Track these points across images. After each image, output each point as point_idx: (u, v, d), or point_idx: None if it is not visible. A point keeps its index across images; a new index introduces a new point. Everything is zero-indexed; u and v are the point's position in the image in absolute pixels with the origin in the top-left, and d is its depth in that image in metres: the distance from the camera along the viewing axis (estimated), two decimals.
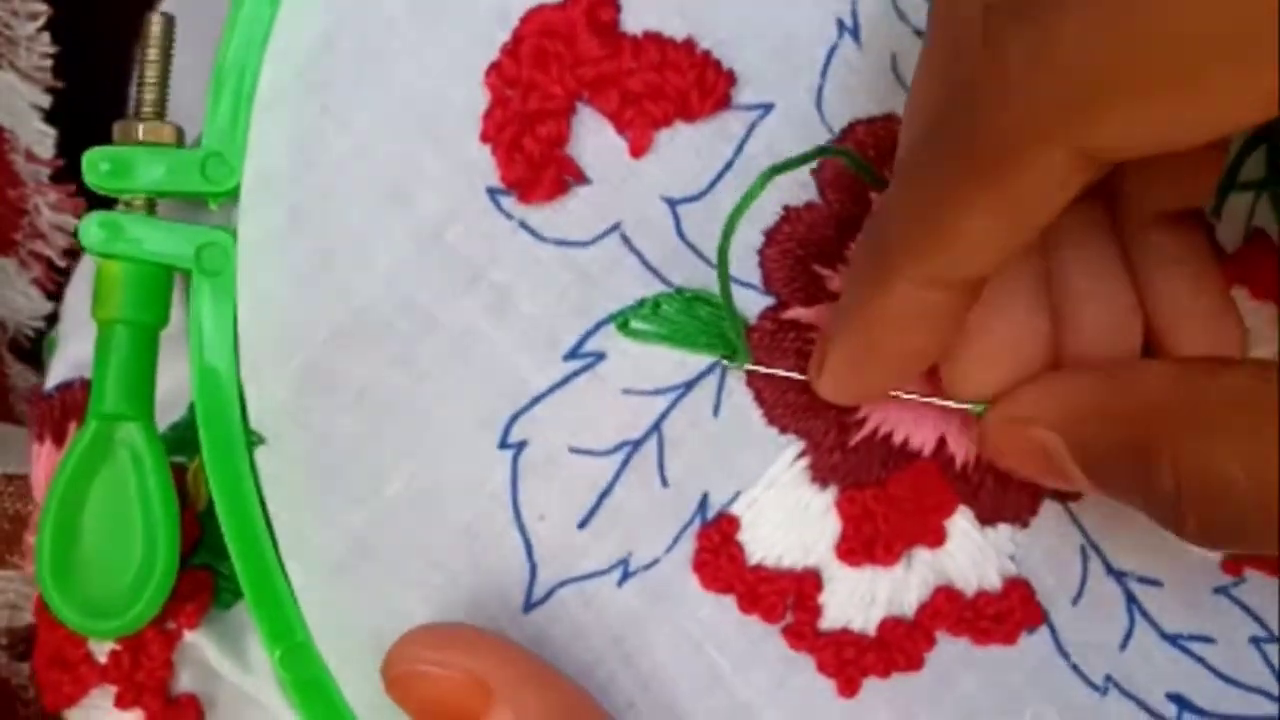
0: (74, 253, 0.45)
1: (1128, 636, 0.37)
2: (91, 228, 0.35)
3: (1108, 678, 0.36)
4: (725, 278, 0.34)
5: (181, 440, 0.37)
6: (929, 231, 0.29)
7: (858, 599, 0.36)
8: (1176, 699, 0.36)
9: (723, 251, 0.34)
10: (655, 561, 0.35)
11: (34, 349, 0.45)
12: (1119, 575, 0.37)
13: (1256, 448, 0.28)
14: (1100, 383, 0.33)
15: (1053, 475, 0.33)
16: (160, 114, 0.36)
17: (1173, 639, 0.37)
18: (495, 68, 0.35)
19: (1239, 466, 0.28)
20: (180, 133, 0.36)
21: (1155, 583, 0.37)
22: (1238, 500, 0.28)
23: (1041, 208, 0.28)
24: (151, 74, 0.36)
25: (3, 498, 0.39)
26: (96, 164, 0.35)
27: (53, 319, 0.45)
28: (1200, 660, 0.37)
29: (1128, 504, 0.32)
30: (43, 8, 0.44)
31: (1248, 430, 0.28)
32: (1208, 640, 0.37)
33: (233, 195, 0.35)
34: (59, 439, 0.38)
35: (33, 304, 0.44)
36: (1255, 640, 0.37)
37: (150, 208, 0.36)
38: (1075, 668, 0.36)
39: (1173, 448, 0.29)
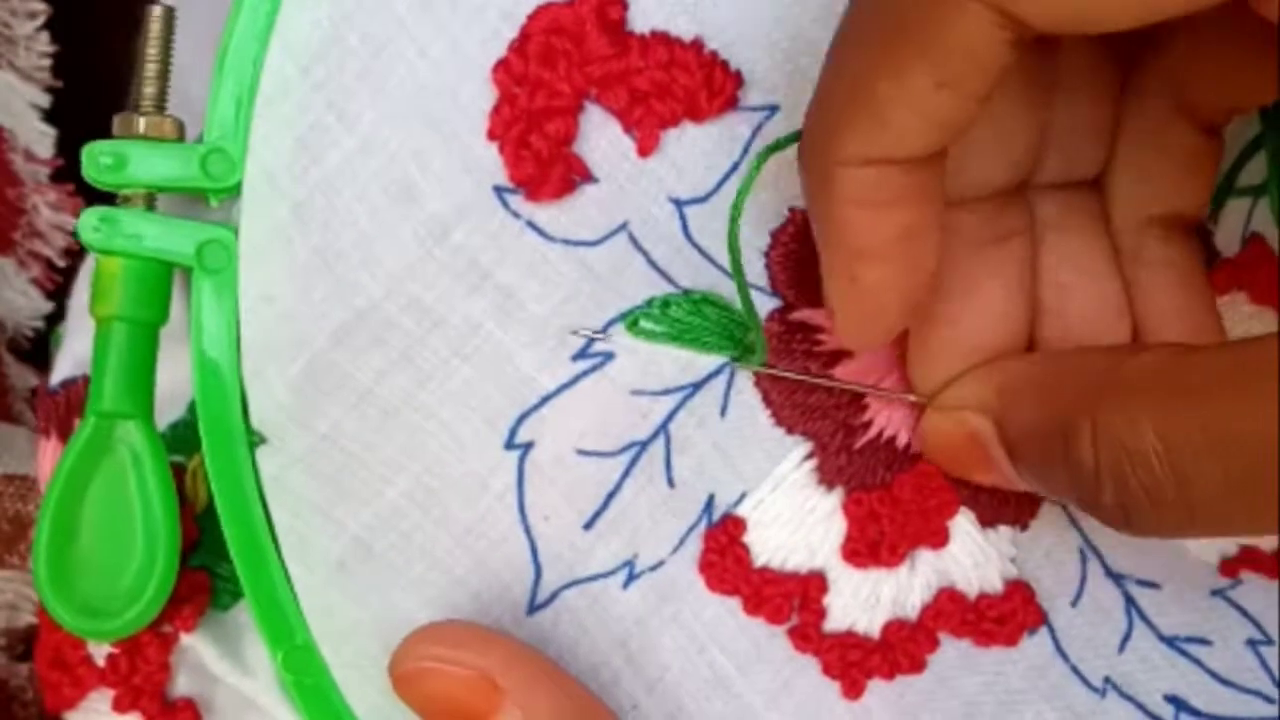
0: (73, 252, 0.44)
1: (1126, 638, 0.37)
2: (90, 223, 0.34)
3: (1106, 679, 0.37)
4: (738, 267, 0.34)
5: (181, 439, 0.37)
6: (863, 105, 0.29)
7: (862, 601, 0.36)
8: (1174, 700, 0.37)
9: (733, 236, 0.34)
10: (661, 563, 0.35)
11: (33, 349, 0.45)
12: (1118, 577, 0.37)
13: (1170, 418, 0.28)
14: (1033, 365, 0.33)
15: (980, 467, 0.34)
16: (161, 107, 0.35)
17: (1170, 641, 0.37)
18: (503, 65, 0.35)
19: (1154, 437, 0.28)
20: (181, 127, 0.35)
21: (1153, 585, 0.37)
22: (1150, 470, 0.29)
23: (972, 73, 0.28)
24: (151, 67, 0.35)
25: (3, 498, 0.39)
26: (96, 158, 0.35)
27: (52, 318, 0.45)
28: (1197, 662, 0.37)
29: (1049, 490, 0.33)
30: (42, 7, 0.44)
31: (1162, 401, 0.29)
32: (1205, 642, 0.37)
33: (234, 192, 0.35)
34: (64, 435, 0.38)
35: (32, 303, 0.44)
36: (1252, 643, 0.37)
37: (150, 203, 0.35)
38: (1074, 669, 0.36)
39: (1092, 419, 0.30)
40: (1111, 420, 0.29)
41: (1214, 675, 0.37)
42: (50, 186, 0.44)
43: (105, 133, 0.35)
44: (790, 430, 0.36)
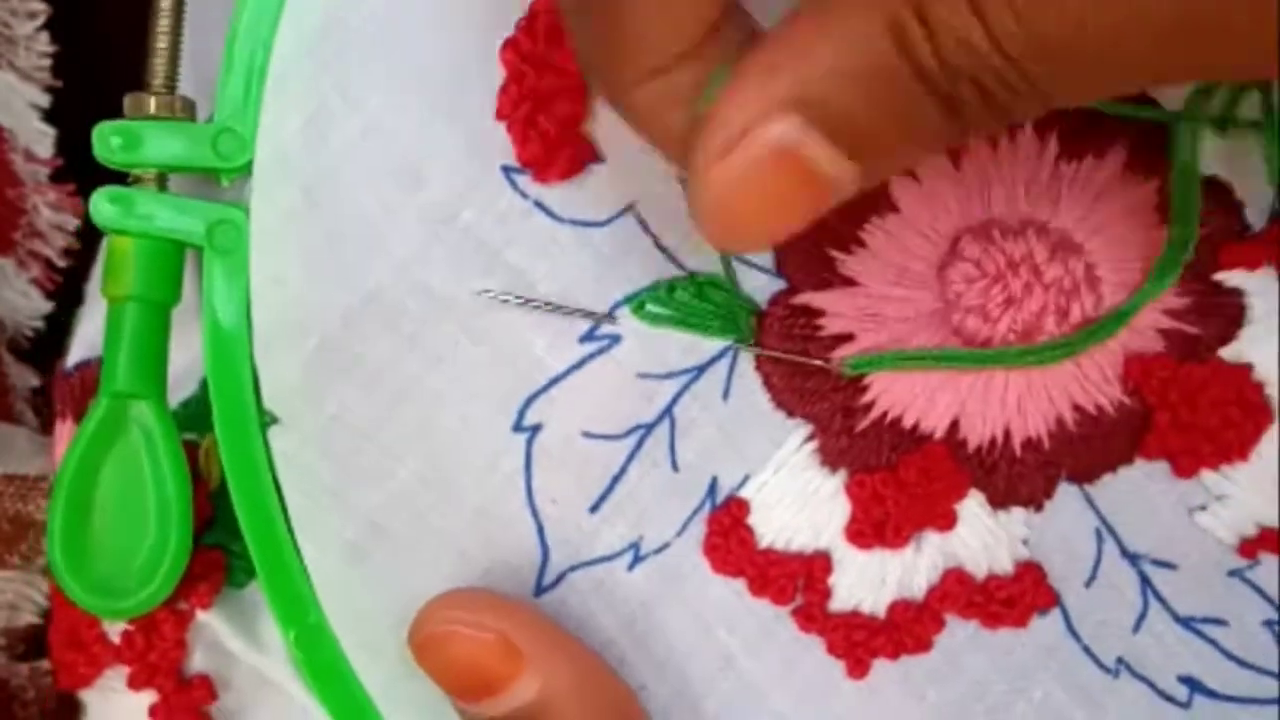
0: (73, 252, 0.44)
1: (1141, 619, 0.36)
2: (103, 203, 0.35)
3: (1120, 660, 0.36)
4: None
5: (193, 417, 0.37)
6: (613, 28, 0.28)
7: (867, 581, 0.36)
8: (1188, 681, 0.36)
9: None
10: (666, 545, 0.36)
11: (33, 349, 0.45)
12: (1133, 558, 0.37)
13: None
14: (796, 29, 0.27)
15: (799, 190, 0.28)
16: (171, 88, 0.36)
17: (1186, 622, 0.37)
18: (511, 44, 0.35)
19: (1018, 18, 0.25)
20: (192, 107, 0.36)
21: (1169, 565, 0.37)
22: (983, 48, 0.25)
23: None
24: (162, 48, 0.35)
25: (3, 498, 0.39)
26: (107, 138, 0.35)
27: (52, 318, 0.45)
28: (1213, 643, 0.37)
29: (889, 161, 0.28)
30: (42, 7, 0.44)
31: None
32: (1221, 623, 0.37)
33: (245, 171, 0.35)
34: (80, 417, 0.38)
35: (31, 303, 0.44)
36: (1269, 623, 0.37)
37: (162, 183, 0.35)
38: (1087, 649, 0.36)
39: (919, 20, 0.26)
40: (947, 15, 0.25)
41: (1230, 656, 0.37)
42: (50, 186, 0.44)
43: None
44: (791, 413, 0.36)
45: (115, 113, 0.35)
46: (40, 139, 0.44)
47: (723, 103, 0.27)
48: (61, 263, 0.45)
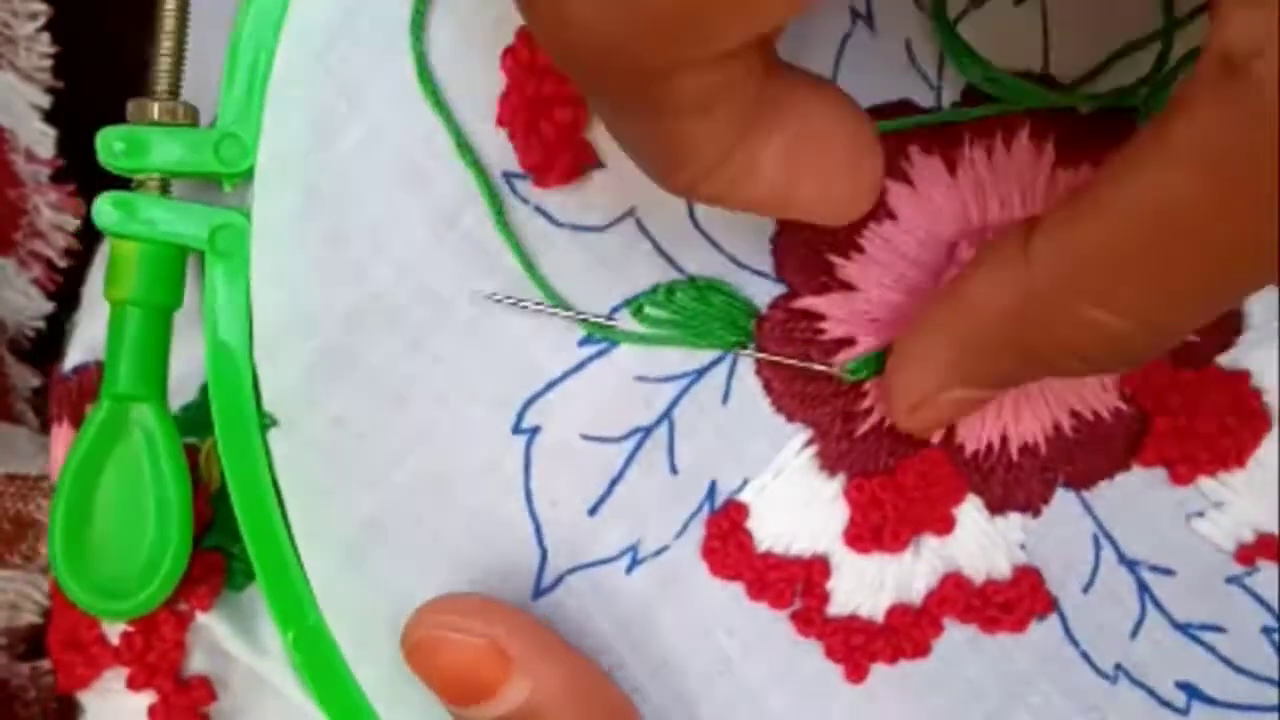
0: (73, 252, 0.45)
1: (1138, 625, 0.37)
2: (105, 207, 0.35)
3: (1118, 666, 0.36)
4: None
5: (193, 422, 0.37)
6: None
7: (866, 586, 0.36)
8: (1186, 688, 0.36)
9: None
10: (664, 548, 0.36)
11: (34, 349, 0.45)
12: (1131, 564, 0.37)
13: (1134, 289, 0.28)
14: (964, 314, 0.32)
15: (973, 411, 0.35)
16: (175, 93, 0.36)
17: (1184, 628, 0.37)
18: (511, 52, 0.35)
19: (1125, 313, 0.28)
20: (195, 112, 0.36)
21: (1168, 572, 0.37)
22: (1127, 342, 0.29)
23: None
24: (166, 53, 0.36)
25: (3, 498, 0.39)
26: (111, 143, 0.35)
27: (53, 319, 0.45)
28: (1211, 649, 0.37)
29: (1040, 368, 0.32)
30: (43, 8, 0.44)
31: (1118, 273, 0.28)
32: (1219, 630, 0.37)
33: (247, 176, 0.35)
34: (76, 421, 0.38)
35: (32, 304, 0.44)
36: (1267, 630, 0.37)
37: (164, 188, 0.36)
38: (1085, 655, 0.36)
39: (1051, 338, 0.30)
40: (1068, 329, 0.29)
41: (1227, 663, 0.37)
42: (51, 187, 0.44)
43: None
44: (790, 418, 0.36)
45: (116, 113, 0.35)
46: (41, 139, 0.44)
47: (901, 374, 0.34)
48: (62, 263, 0.45)
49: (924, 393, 0.33)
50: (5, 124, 0.43)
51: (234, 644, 0.37)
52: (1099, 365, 0.30)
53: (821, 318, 0.36)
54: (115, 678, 0.37)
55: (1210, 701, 0.37)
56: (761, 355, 0.35)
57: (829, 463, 0.36)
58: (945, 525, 0.36)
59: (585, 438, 0.35)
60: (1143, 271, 0.28)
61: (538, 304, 0.35)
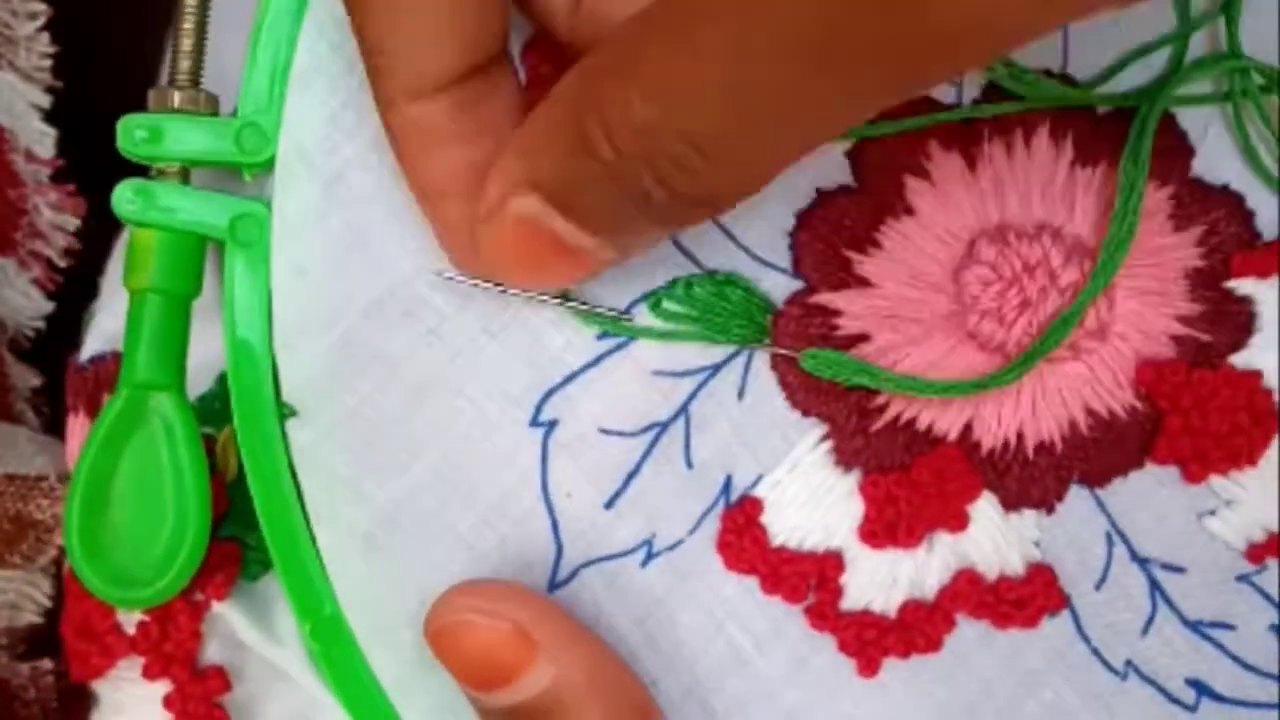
0: (74, 252, 0.44)
1: (1149, 622, 0.37)
2: (126, 194, 0.35)
3: (1128, 662, 0.37)
4: None
5: (210, 412, 0.37)
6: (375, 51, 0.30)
7: (879, 581, 0.36)
8: (1196, 685, 0.37)
9: None
10: (679, 542, 0.36)
11: (34, 349, 0.45)
12: (1143, 562, 0.37)
13: (662, 73, 0.27)
14: (537, 114, 0.30)
15: (553, 255, 0.31)
16: (196, 82, 0.36)
17: (1194, 625, 0.37)
18: (531, 46, 0.35)
19: (643, 104, 0.27)
20: (215, 101, 0.36)
21: (1178, 569, 0.37)
22: (656, 135, 0.27)
23: None
24: (187, 42, 0.36)
25: (3, 498, 0.39)
26: (132, 131, 0.35)
27: (53, 318, 0.45)
28: (1220, 647, 0.37)
29: (638, 238, 0.31)
30: (43, 8, 0.44)
31: (632, 70, 0.27)
32: (1228, 627, 0.37)
33: (267, 166, 0.35)
34: (92, 411, 0.38)
35: (32, 304, 0.44)
36: (1275, 628, 0.37)
37: (185, 177, 0.36)
38: (1096, 652, 0.36)
39: (597, 117, 0.28)
40: (608, 108, 0.27)
41: (1237, 660, 0.37)
42: (51, 187, 0.44)
43: (106, 133, 0.35)
44: (806, 413, 0.36)
45: (116, 113, 0.35)
46: (41, 139, 0.44)
47: (491, 172, 0.30)
48: (62, 263, 0.44)
49: (501, 189, 0.30)
50: (5, 124, 0.43)
51: (249, 634, 0.37)
52: (664, 180, 0.28)
53: (838, 313, 0.36)
54: (130, 667, 0.38)
55: (1219, 698, 0.37)
56: (778, 350, 0.36)
57: (844, 458, 0.36)
58: (959, 522, 0.36)
59: (602, 431, 0.35)
60: (663, 47, 0.26)
61: (556, 298, 0.35)
